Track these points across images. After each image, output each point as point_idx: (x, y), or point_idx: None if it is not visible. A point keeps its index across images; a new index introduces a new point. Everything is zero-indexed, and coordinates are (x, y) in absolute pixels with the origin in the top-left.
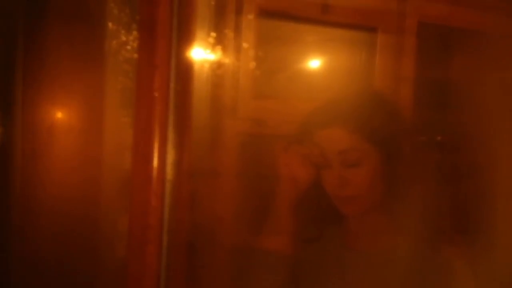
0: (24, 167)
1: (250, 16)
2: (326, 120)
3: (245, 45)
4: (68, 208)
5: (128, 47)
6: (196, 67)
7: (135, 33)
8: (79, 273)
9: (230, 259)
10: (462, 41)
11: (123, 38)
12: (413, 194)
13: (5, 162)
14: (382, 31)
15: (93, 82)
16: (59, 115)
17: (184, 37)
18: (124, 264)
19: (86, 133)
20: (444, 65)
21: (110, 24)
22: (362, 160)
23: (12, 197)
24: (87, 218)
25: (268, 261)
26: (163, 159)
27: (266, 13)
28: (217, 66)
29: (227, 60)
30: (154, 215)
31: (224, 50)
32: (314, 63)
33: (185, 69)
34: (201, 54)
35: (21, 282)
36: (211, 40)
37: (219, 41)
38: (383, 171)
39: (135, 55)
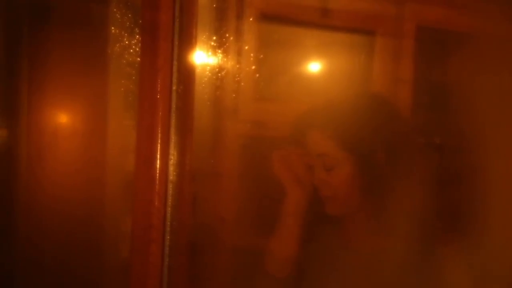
0: (29, 170)
1: (251, 20)
2: (309, 124)
3: (245, 48)
4: (72, 209)
5: (131, 51)
6: (198, 70)
7: (137, 37)
8: (83, 273)
9: (232, 260)
10: (460, 44)
11: (126, 42)
12: (408, 194)
13: (11, 165)
14: (381, 34)
15: (97, 86)
16: (63, 118)
17: (186, 41)
18: (127, 264)
19: (89, 135)
20: (443, 69)
21: (112, 29)
22: (338, 164)
23: (17, 199)
24: (91, 219)
25: (273, 263)
26: (165, 160)
27: (266, 17)
28: (218, 69)
29: (228, 63)
30: (157, 215)
31: (225, 53)
32: (314, 66)
33: (187, 72)
34: (202, 57)
35: (25, 283)
36: (212, 43)
37: (220, 45)
38: (362, 174)
39: (138, 59)
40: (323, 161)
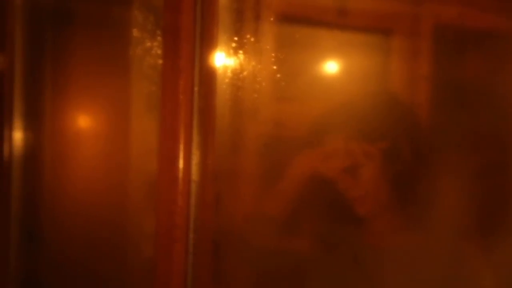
0: (53, 171)
1: (271, 21)
2: (331, 123)
3: (266, 49)
4: (96, 211)
5: (153, 53)
6: (219, 71)
7: (159, 39)
8: (107, 274)
9: (256, 258)
10: (478, 42)
11: (148, 44)
12: (431, 192)
13: (35, 166)
14: (398, 34)
15: (119, 88)
16: (86, 120)
17: (207, 42)
18: (151, 264)
19: (112, 137)
20: (461, 67)
21: (134, 31)
22: (366, 161)
23: (41, 200)
24: (114, 220)
25: (292, 262)
26: (188, 160)
27: (286, 18)
28: (240, 69)
29: (249, 64)
30: (181, 214)
31: (246, 54)
32: (332, 66)
33: (208, 73)
34: (223, 58)
35: (51, 285)
36: (233, 44)
37: (241, 46)
38: (391, 172)
39: (160, 61)
40: (350, 160)
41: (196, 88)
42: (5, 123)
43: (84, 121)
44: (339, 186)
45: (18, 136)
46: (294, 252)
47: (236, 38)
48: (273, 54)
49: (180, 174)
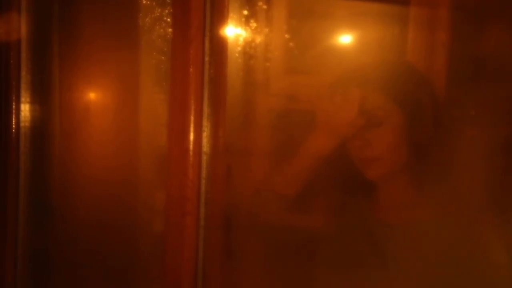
0: (62, 145)
1: None
2: (353, 79)
3: (277, 19)
4: (105, 184)
5: (162, 23)
6: (230, 40)
7: (169, 8)
8: (118, 248)
9: (267, 232)
10: (497, 12)
11: (157, 14)
12: (444, 166)
13: (44, 140)
14: (415, 3)
15: (128, 59)
16: (95, 93)
17: (218, 11)
18: (162, 237)
19: (121, 110)
20: (479, 38)
21: (144, 0)
22: (385, 120)
23: (51, 174)
24: (124, 195)
25: (303, 237)
26: (199, 132)
27: None
28: (251, 38)
29: (260, 34)
30: (191, 187)
31: (258, 23)
32: (346, 37)
33: (219, 43)
34: (235, 27)
35: (60, 260)
36: (244, 12)
37: (253, 14)
38: (406, 134)
39: (169, 30)
40: (370, 117)
41: (206, 58)
42: (12, 96)
43: (92, 94)
44: (355, 144)
45: (26, 109)
46: (305, 227)
47: (247, 7)
48: (285, 23)
49: (191, 146)
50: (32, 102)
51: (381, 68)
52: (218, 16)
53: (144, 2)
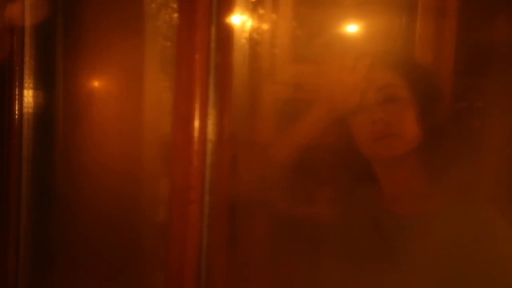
0: (65, 132)
1: None
2: (370, 56)
3: (284, 6)
4: (109, 172)
5: (168, 8)
6: (237, 26)
7: None
8: (122, 236)
9: (272, 220)
10: (506, 1)
11: None
12: (451, 157)
13: (48, 127)
14: None
15: (133, 45)
16: (99, 79)
17: None
18: (167, 225)
19: (126, 96)
20: (488, 29)
21: None
22: (399, 96)
23: (54, 161)
24: (128, 182)
25: (308, 226)
26: (204, 119)
27: None
28: (258, 26)
29: (267, 21)
30: (196, 175)
31: (265, 9)
32: (353, 26)
33: (225, 29)
34: (241, 12)
35: (64, 245)
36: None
37: (260, 1)
38: (421, 114)
39: (175, 15)
40: (386, 93)
41: (212, 45)
42: (15, 81)
43: (96, 80)
44: (370, 121)
45: (29, 94)
46: (310, 216)
47: None
48: (292, 10)
49: (196, 134)
50: (35, 88)
51: (393, 51)
52: (224, 2)
53: None
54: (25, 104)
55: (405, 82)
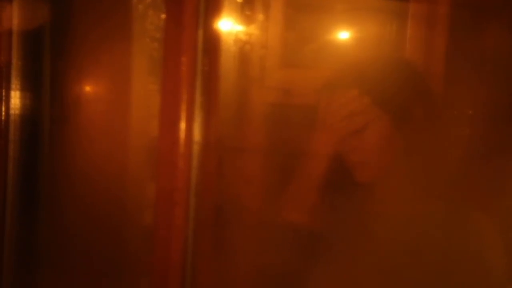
0: (52, 134)
1: None
2: (338, 84)
3: (274, 8)
4: (96, 174)
5: (155, 9)
6: (225, 29)
7: None
8: (107, 238)
9: (257, 222)
10: (497, 10)
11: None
12: (443, 160)
13: (34, 129)
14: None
15: (120, 47)
16: (86, 81)
17: None
18: (152, 229)
19: (113, 99)
20: (478, 36)
21: None
22: (371, 123)
23: (40, 164)
24: (114, 184)
25: (295, 230)
26: (190, 121)
27: None
28: (246, 28)
29: (255, 23)
30: (182, 177)
31: (253, 10)
32: (344, 32)
33: (213, 31)
34: (229, 16)
35: (49, 248)
36: (239, 1)
37: (248, 3)
38: (393, 138)
39: (162, 16)
40: (354, 122)
41: (200, 46)
42: (2, 82)
43: (83, 82)
44: (344, 148)
45: (16, 96)
46: (296, 221)
47: None
48: (281, 16)
49: (182, 135)
50: (22, 90)
51: (372, 67)
52: (212, 3)
53: None
54: (12, 106)
55: (376, 108)
